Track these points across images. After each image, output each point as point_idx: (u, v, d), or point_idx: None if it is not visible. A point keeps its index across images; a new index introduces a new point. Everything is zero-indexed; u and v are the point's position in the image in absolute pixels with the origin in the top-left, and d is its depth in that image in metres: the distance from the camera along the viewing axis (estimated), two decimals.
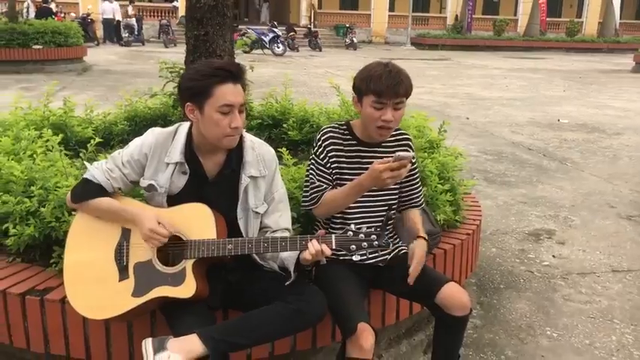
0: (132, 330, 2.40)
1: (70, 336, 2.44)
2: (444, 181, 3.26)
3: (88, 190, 2.19)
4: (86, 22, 23.40)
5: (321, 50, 26.12)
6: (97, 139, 3.07)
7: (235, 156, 2.27)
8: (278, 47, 23.11)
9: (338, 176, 2.46)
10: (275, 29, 23.81)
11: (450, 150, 3.90)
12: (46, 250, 2.67)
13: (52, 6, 22.74)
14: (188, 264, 2.12)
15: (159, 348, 1.96)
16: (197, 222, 2.15)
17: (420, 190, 2.63)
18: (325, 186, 2.44)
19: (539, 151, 7.97)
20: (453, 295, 2.41)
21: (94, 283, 2.15)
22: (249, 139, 2.33)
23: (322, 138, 2.47)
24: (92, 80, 13.55)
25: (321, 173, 2.46)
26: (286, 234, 2.30)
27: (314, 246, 2.04)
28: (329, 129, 2.49)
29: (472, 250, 3.35)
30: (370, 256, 2.52)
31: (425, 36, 31.15)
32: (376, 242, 2.07)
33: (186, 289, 2.09)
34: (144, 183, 2.23)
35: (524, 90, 14.68)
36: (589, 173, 6.88)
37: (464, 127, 9.53)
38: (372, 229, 2.10)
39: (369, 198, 2.47)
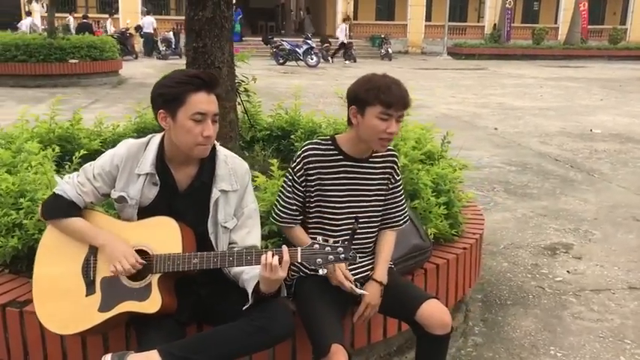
0: (108, 342, 2.38)
1: (47, 348, 2.45)
2: (440, 194, 3.17)
3: (59, 207, 2.19)
4: (125, 36, 23.99)
5: (355, 61, 26.07)
6: (83, 152, 3.09)
7: (207, 169, 2.24)
8: (312, 59, 23.17)
9: (319, 192, 2.40)
10: (309, 41, 23.88)
11: (455, 161, 3.80)
12: (32, 261, 2.68)
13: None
14: (154, 278, 2.09)
15: None
16: (163, 236, 2.13)
17: (404, 211, 2.55)
18: (295, 207, 2.42)
19: (566, 162, 7.73)
20: (433, 313, 2.32)
21: (62, 297, 2.15)
22: (223, 152, 2.30)
23: (302, 155, 2.40)
24: (125, 93, 13.84)
25: (295, 191, 2.41)
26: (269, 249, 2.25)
27: (267, 259, 1.99)
28: (311, 146, 2.42)
29: (471, 265, 3.24)
30: (351, 268, 2.45)
31: (462, 45, 30.79)
32: (343, 255, 2.01)
33: (152, 304, 2.07)
34: (115, 195, 2.22)
35: (559, 99, 14.32)
36: (617, 185, 6.63)
37: (491, 137, 9.34)
38: (340, 242, 2.04)
39: (355, 210, 2.43)
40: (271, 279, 2.01)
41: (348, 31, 27.31)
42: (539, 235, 5.02)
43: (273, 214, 2.47)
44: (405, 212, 2.56)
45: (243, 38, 29.36)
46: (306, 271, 2.42)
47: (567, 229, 5.18)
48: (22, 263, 2.72)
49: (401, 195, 2.54)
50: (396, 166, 2.50)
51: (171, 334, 2.08)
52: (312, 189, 2.40)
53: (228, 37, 3.71)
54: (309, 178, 2.39)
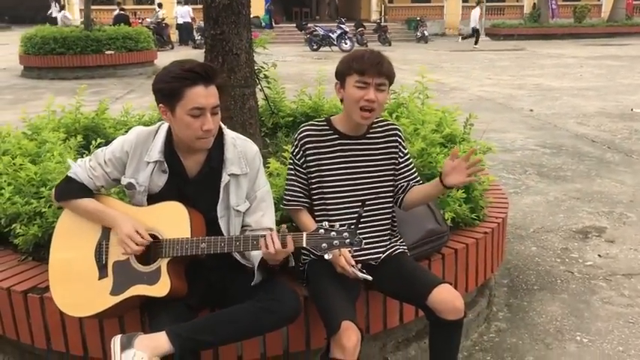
0: (124, 326, 2.43)
1: (68, 333, 2.51)
2: None
3: (70, 190, 2.23)
4: (160, 27, 24.25)
5: (390, 45, 25.76)
6: (100, 140, 3.13)
7: (216, 153, 2.25)
8: (345, 43, 23.02)
9: (318, 174, 2.42)
10: (342, 25, 23.72)
11: (479, 144, 3.71)
12: None
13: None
14: (163, 263, 2.12)
15: (126, 345, 1.98)
16: (172, 221, 2.15)
17: (417, 178, 2.56)
18: (299, 189, 2.45)
19: (603, 143, 7.50)
20: (445, 298, 2.28)
21: (75, 281, 2.19)
22: (231, 135, 2.30)
23: (299, 137, 2.45)
24: None
25: (297, 173, 2.46)
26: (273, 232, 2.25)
27: (269, 241, 1.99)
28: (306, 127, 2.47)
29: (492, 249, 3.17)
30: (362, 252, 2.43)
31: (500, 26, 30.06)
32: (348, 240, 2.00)
33: (161, 287, 2.09)
34: (124, 181, 2.24)
35: (600, 79, 13.87)
36: None
37: (526, 119, 9.12)
38: (346, 227, 2.02)
39: (364, 191, 2.42)
40: (275, 259, 2.02)
41: (479, 16, 25.54)
42: (570, 218, 4.89)
43: (283, 199, 2.49)
44: (420, 180, 2.56)
45: (276, 25, 29.36)
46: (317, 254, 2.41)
47: (601, 212, 5.03)
48: (45, 251, 2.78)
49: (412, 167, 2.56)
50: (400, 139, 2.51)
51: (180, 317, 2.10)
52: (312, 169, 2.43)
53: (246, 23, 3.69)
54: (307, 159, 2.42)
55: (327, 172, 2.41)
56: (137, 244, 2.10)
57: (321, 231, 2.01)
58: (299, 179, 2.45)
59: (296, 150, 2.45)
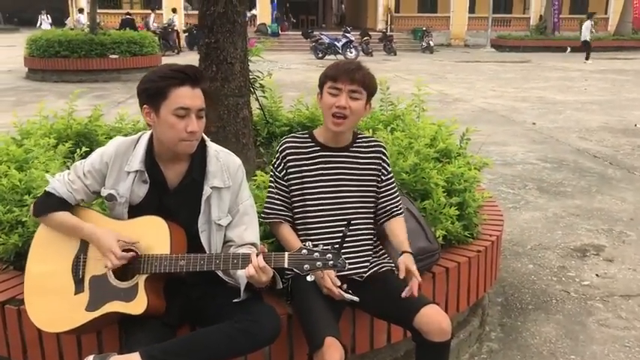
0: (102, 342, 2.36)
1: (45, 347, 2.44)
2: (453, 194, 3.04)
3: (48, 204, 2.17)
4: (167, 32, 24.31)
5: (395, 54, 25.77)
6: (85, 149, 3.08)
7: (198, 165, 2.19)
8: (350, 52, 23.03)
9: (300, 186, 2.38)
10: (348, 34, 23.73)
11: (475, 159, 3.64)
12: None
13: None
14: (141, 279, 2.06)
15: None
16: (152, 236, 2.09)
17: (398, 199, 2.51)
18: (279, 202, 2.40)
19: (605, 158, 7.42)
20: (432, 319, 2.21)
21: (51, 295, 2.13)
22: (214, 148, 2.24)
23: (280, 149, 2.43)
24: None
25: (278, 186, 2.42)
26: (252, 249, 2.19)
27: (254, 262, 1.93)
28: (288, 139, 2.45)
29: (486, 268, 3.10)
30: (348, 267, 2.36)
31: (506, 37, 30.03)
32: (331, 262, 1.93)
33: (138, 305, 2.03)
34: (104, 192, 2.19)
35: (605, 93, 13.80)
36: None
37: (528, 132, 9.05)
38: (330, 248, 1.96)
39: (346, 204, 2.38)
40: (259, 280, 1.97)
41: (590, 28, 23.73)
42: (569, 235, 4.81)
43: (262, 212, 2.44)
44: (400, 201, 2.52)
45: (282, 33, 29.38)
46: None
47: (600, 229, 4.95)
48: (25, 260, 2.73)
49: (394, 187, 2.52)
50: (384, 157, 2.47)
51: (157, 335, 2.03)
52: (294, 182, 2.39)
53: (241, 32, 3.64)
54: (289, 171, 2.39)
55: (308, 184, 2.38)
56: (118, 259, 2.04)
57: (304, 251, 1.95)
58: (280, 192, 2.41)
59: (277, 162, 2.42)
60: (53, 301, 2.12)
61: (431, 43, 27.96)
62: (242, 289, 2.07)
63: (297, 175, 2.38)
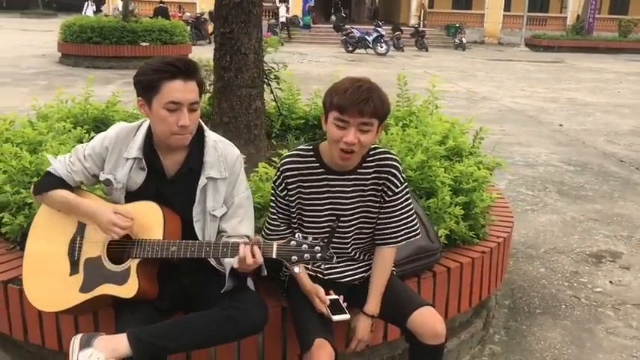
0: (98, 323, 2.39)
1: (44, 327, 2.49)
2: (460, 193, 3.00)
3: (48, 182, 2.20)
4: (199, 21, 24.49)
5: (427, 50, 25.54)
6: (93, 134, 3.11)
7: (195, 155, 2.19)
8: (381, 47, 22.89)
9: (300, 207, 2.26)
10: (379, 29, 23.57)
11: (488, 158, 3.59)
12: None
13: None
14: (133, 263, 2.07)
15: (85, 344, 1.94)
16: (146, 221, 2.10)
17: (404, 226, 2.28)
18: (280, 221, 2.30)
19: (632, 163, 7.24)
20: (425, 320, 2.18)
21: (47, 275, 2.16)
22: (213, 138, 2.24)
23: (281, 168, 2.25)
24: None
25: (278, 204, 2.29)
26: (245, 241, 2.19)
27: (242, 252, 1.93)
28: (290, 159, 2.25)
29: (490, 270, 3.05)
30: (345, 274, 2.36)
31: (540, 37, 29.50)
32: (319, 254, 1.92)
33: (129, 288, 2.05)
34: (102, 177, 2.21)
35: (638, 96, 13.46)
36: None
37: (554, 134, 8.88)
38: (318, 241, 1.95)
39: (347, 229, 2.29)
40: (245, 268, 1.97)
41: None
42: (585, 240, 4.72)
43: (264, 230, 2.37)
44: (410, 226, 2.29)
45: (314, 26, 29.32)
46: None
47: (619, 235, 4.83)
48: None
49: (402, 208, 2.26)
50: (393, 178, 2.22)
51: (148, 319, 2.05)
52: (293, 203, 2.25)
53: (257, 23, 3.65)
54: (289, 191, 2.24)
55: (309, 206, 2.25)
56: (122, 228, 2.06)
57: (293, 242, 1.94)
58: (280, 211, 2.29)
59: (278, 181, 2.26)
60: (49, 282, 2.16)
61: (463, 40, 27.65)
62: (227, 273, 2.07)
63: (296, 197, 2.25)
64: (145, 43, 15.05)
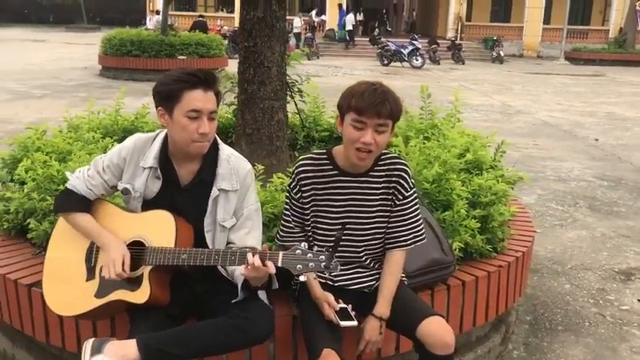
0: (115, 328, 2.46)
1: (65, 330, 2.58)
2: (477, 206, 2.99)
3: (69, 203, 2.27)
4: (236, 35, 24.85)
5: (463, 63, 25.35)
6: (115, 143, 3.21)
7: (209, 167, 2.26)
8: (416, 60, 22.83)
9: (314, 210, 2.32)
10: (415, 42, 23.53)
11: (510, 172, 3.57)
12: None
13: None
14: (146, 270, 2.14)
15: (96, 350, 2.00)
16: (159, 229, 2.17)
17: (414, 229, 2.34)
18: (294, 225, 2.35)
19: None
20: (434, 330, 2.18)
21: (65, 280, 2.25)
22: (227, 152, 2.30)
23: (296, 171, 2.32)
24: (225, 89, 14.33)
25: (293, 208, 2.36)
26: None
27: (251, 259, 1.97)
28: (304, 162, 2.33)
29: (508, 284, 3.02)
30: (354, 281, 2.38)
31: (581, 50, 28.97)
32: (324, 264, 1.95)
33: (141, 294, 2.11)
34: (120, 186, 2.29)
35: None
36: None
37: (588, 148, 8.71)
38: (324, 250, 1.98)
39: (360, 231, 2.33)
40: (253, 278, 2.00)
41: None
42: (614, 257, 4.61)
43: (278, 234, 2.43)
44: (417, 231, 2.35)
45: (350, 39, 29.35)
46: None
47: None
48: None
49: (410, 213, 2.33)
50: (403, 182, 2.30)
51: (159, 326, 2.11)
52: (307, 206, 2.32)
53: (280, 37, 3.71)
54: (304, 195, 2.31)
55: (323, 208, 2.30)
56: (116, 274, 2.12)
57: (298, 251, 1.97)
58: (295, 214, 2.35)
59: (293, 184, 2.33)
60: (67, 287, 2.24)
61: (501, 53, 27.35)
62: (239, 287, 2.12)
63: (311, 199, 2.31)
64: (182, 57, 15.36)
